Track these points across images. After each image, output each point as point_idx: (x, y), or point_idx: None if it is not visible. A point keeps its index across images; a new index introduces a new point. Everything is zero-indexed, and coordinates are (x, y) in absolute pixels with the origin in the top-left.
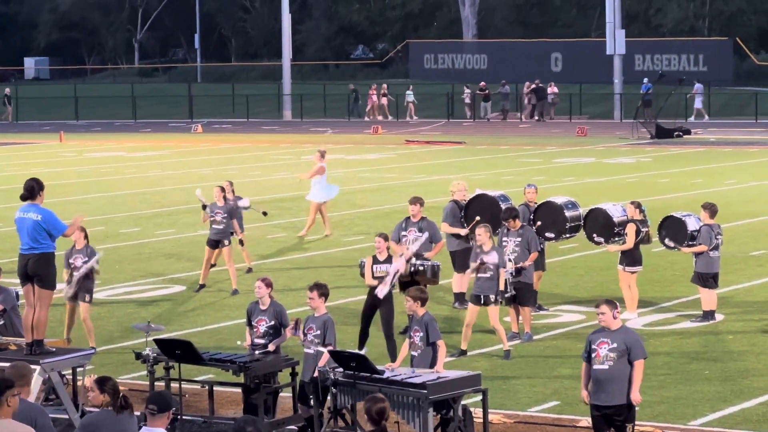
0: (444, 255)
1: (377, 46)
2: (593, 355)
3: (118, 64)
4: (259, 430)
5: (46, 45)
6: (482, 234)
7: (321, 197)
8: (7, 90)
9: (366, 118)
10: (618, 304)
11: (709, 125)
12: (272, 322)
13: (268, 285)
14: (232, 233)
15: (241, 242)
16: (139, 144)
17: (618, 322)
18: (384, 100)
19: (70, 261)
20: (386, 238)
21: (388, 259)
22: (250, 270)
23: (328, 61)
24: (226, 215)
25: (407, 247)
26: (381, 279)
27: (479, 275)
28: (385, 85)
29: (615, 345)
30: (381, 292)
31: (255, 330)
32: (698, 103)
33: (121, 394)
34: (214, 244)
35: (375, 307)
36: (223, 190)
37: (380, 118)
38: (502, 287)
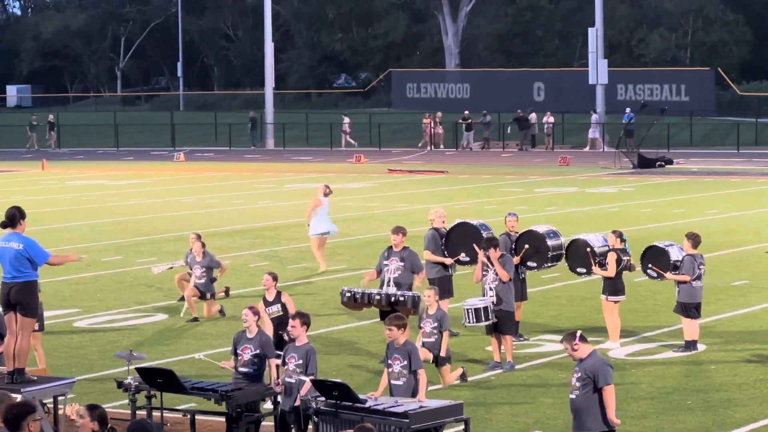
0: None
1: (360, 75)
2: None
3: (101, 92)
4: None
5: (29, 73)
6: (430, 296)
7: (316, 230)
8: (51, 116)
9: (424, 149)
10: (577, 333)
11: (691, 155)
12: (257, 351)
13: (255, 313)
14: (214, 280)
15: (226, 291)
16: (122, 172)
17: (584, 351)
18: (440, 129)
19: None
20: (275, 278)
21: (277, 298)
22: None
23: (310, 90)
24: (205, 269)
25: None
26: (277, 320)
27: (423, 339)
28: (439, 114)
29: (580, 374)
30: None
31: (240, 358)
32: (592, 134)
33: (108, 424)
34: (200, 294)
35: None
36: (203, 245)
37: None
38: (443, 353)
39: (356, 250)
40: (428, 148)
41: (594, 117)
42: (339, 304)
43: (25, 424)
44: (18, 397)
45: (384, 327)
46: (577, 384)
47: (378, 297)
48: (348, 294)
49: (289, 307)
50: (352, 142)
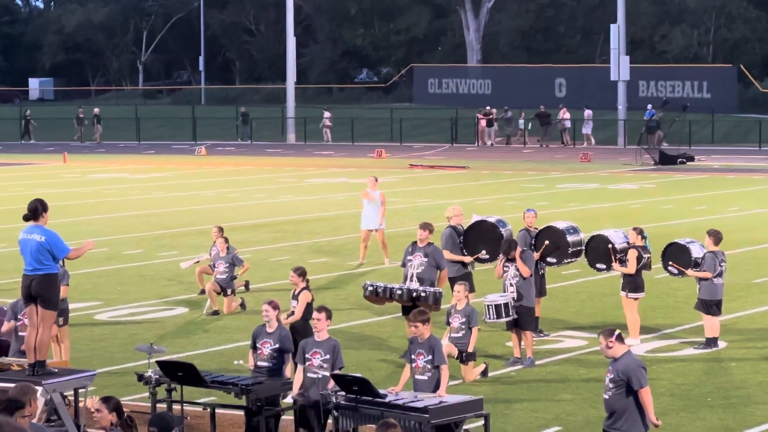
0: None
1: (381, 70)
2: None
3: (123, 85)
4: None
5: (51, 66)
6: (460, 291)
7: (365, 224)
8: (96, 110)
9: (478, 144)
10: (615, 332)
11: (712, 152)
12: (277, 345)
13: (275, 308)
14: (234, 278)
15: (246, 286)
16: (143, 166)
17: (618, 350)
18: (495, 125)
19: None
20: (300, 274)
21: (299, 295)
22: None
23: (332, 85)
24: (228, 265)
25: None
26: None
27: (452, 334)
28: (494, 110)
29: (612, 375)
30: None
31: (259, 353)
32: (587, 129)
33: (125, 413)
34: (221, 290)
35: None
36: (226, 240)
37: (489, 143)
38: (470, 349)
39: (377, 244)
40: (478, 143)
41: (587, 113)
42: (360, 299)
43: (14, 420)
44: (39, 390)
45: (408, 324)
46: (610, 385)
47: (399, 291)
48: (370, 288)
49: (300, 303)
50: (329, 136)
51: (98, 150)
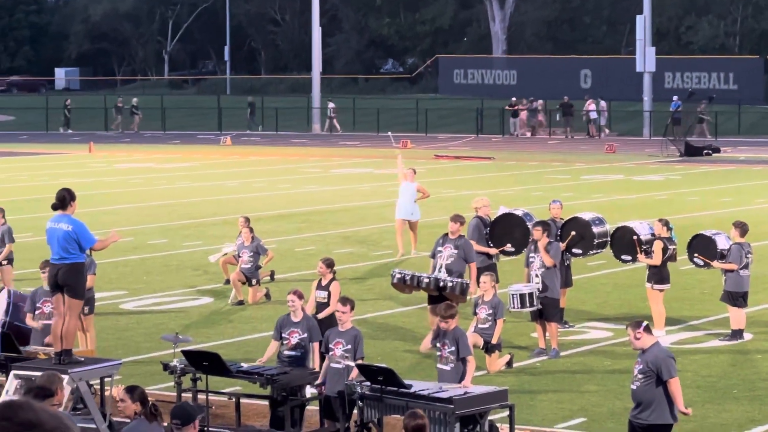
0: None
1: (407, 61)
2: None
3: (148, 75)
4: None
5: (77, 56)
6: (486, 282)
7: (399, 214)
8: (135, 99)
9: (515, 133)
10: (642, 323)
11: (739, 144)
12: (305, 335)
13: (300, 297)
14: (259, 268)
15: (272, 276)
16: (168, 155)
17: (646, 341)
18: (541, 117)
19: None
20: (328, 264)
21: (327, 286)
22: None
23: (357, 75)
24: (252, 254)
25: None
26: (322, 306)
27: (478, 325)
28: (540, 102)
29: (641, 366)
30: None
31: (286, 342)
32: (603, 120)
33: (150, 402)
34: (245, 280)
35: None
36: (251, 230)
37: (528, 134)
38: (495, 340)
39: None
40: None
41: (602, 104)
42: (385, 290)
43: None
44: (65, 378)
45: (438, 320)
46: (639, 375)
47: (427, 280)
48: (399, 276)
49: (334, 294)
50: (338, 127)
51: (124, 140)
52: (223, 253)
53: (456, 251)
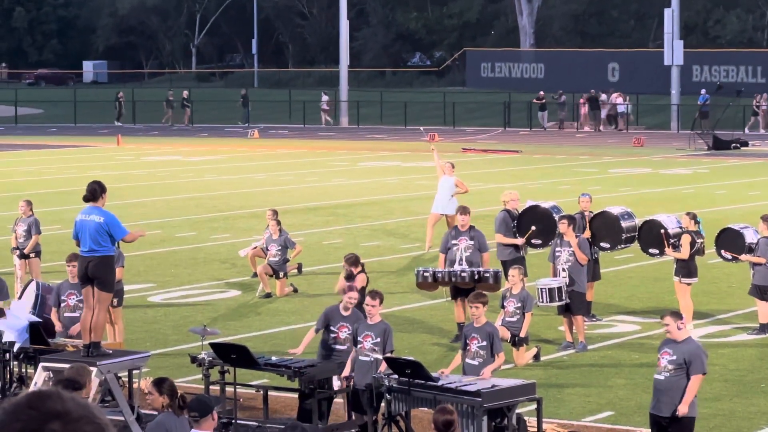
0: (494, 264)
1: (434, 54)
2: (657, 364)
3: (176, 68)
4: None
5: (105, 49)
6: (515, 275)
7: (434, 207)
8: (185, 92)
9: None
10: (681, 314)
11: (767, 137)
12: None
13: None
14: (286, 261)
15: (299, 268)
16: (196, 148)
17: (683, 334)
18: (619, 110)
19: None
20: (353, 262)
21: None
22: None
23: (385, 68)
24: (280, 248)
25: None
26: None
27: (506, 318)
28: (604, 95)
29: (674, 357)
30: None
31: (335, 336)
32: (621, 108)
33: (179, 393)
34: (273, 272)
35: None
36: (278, 223)
37: (587, 128)
38: (523, 333)
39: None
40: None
41: (613, 97)
42: (413, 283)
43: None
44: (94, 370)
45: (468, 305)
46: (669, 366)
47: (464, 274)
48: (425, 274)
49: (356, 283)
50: (329, 120)
51: (152, 133)
52: (253, 247)
53: (472, 242)
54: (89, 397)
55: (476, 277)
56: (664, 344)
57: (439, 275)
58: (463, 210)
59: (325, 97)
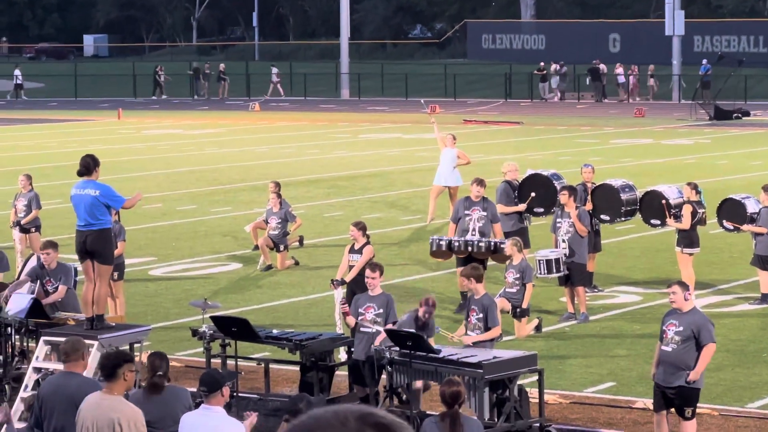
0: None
1: (435, 26)
2: (662, 335)
3: (177, 42)
4: (312, 407)
5: (105, 23)
6: (508, 246)
7: (438, 180)
8: (222, 66)
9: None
10: (690, 286)
11: None
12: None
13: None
14: (287, 234)
15: (300, 241)
16: (197, 122)
17: (689, 304)
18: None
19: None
20: (361, 228)
21: (360, 249)
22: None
23: (386, 41)
24: (280, 221)
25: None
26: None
27: (506, 289)
28: (646, 68)
29: (681, 328)
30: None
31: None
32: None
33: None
34: (273, 245)
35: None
36: (279, 195)
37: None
38: (525, 305)
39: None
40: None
41: (602, 66)
42: (414, 254)
43: (121, 372)
44: (95, 344)
45: (460, 279)
46: (676, 338)
47: (481, 244)
48: (440, 242)
49: (364, 256)
50: (281, 90)
51: (152, 106)
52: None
53: (485, 213)
54: (90, 371)
55: (492, 248)
56: (668, 315)
57: (456, 244)
58: (479, 181)
59: (275, 70)
